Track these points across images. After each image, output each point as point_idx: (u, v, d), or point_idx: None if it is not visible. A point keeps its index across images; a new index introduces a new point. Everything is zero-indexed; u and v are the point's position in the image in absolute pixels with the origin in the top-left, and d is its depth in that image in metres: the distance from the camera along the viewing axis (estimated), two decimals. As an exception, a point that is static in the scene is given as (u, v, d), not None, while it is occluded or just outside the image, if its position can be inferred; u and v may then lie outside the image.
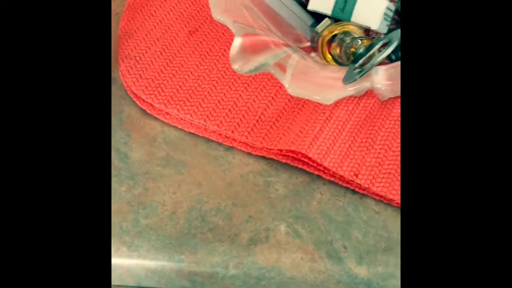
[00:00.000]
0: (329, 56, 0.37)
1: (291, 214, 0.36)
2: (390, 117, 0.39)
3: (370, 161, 0.37)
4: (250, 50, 0.30)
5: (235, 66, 0.29)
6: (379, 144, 0.38)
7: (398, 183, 0.36)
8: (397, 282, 0.33)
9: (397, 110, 0.40)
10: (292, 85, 0.28)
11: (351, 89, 0.28)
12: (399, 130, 0.39)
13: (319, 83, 0.29)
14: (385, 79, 0.27)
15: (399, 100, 0.41)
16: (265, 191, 0.37)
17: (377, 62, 0.29)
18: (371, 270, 0.33)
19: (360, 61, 0.31)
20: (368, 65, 0.29)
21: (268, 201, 0.36)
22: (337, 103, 0.40)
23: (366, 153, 0.37)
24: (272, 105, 0.41)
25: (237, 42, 0.30)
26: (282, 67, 0.29)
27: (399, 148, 0.38)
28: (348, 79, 0.29)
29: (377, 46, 0.31)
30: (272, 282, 0.34)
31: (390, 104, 0.40)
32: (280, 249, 0.34)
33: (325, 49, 0.37)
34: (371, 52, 0.32)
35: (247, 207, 0.36)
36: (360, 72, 0.29)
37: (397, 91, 0.27)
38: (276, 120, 0.40)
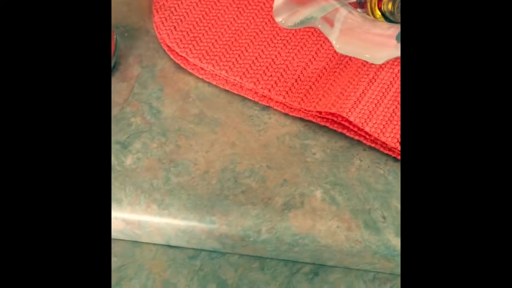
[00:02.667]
0: (379, 12, 0.34)
1: (328, 180, 0.34)
2: (439, 82, 0.37)
3: (415, 128, 0.35)
4: (296, 1, 0.27)
5: (279, 19, 0.27)
6: (426, 110, 0.35)
7: (445, 152, 0.34)
8: (437, 256, 0.31)
9: (447, 74, 0.37)
10: (340, 42, 0.26)
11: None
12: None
13: (369, 40, 0.27)
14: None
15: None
16: (301, 154, 0.35)
17: None
18: (411, 243, 0.32)
19: None
20: None
21: (304, 165, 0.35)
22: (381, 65, 0.37)
23: (411, 119, 0.35)
24: (312, 64, 0.38)
25: (282, -8, 0.27)
26: (329, 21, 0.27)
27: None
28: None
29: None
30: (306, 249, 0.33)
31: (439, 67, 0.38)
32: (315, 215, 0.33)
33: (375, 4, 0.34)
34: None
35: (282, 170, 0.34)
36: None
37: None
38: (316, 80, 0.37)
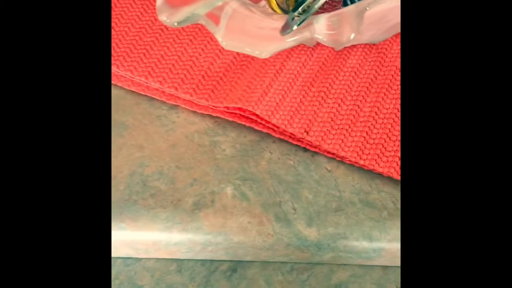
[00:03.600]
0: (274, 2, 0.33)
1: (238, 175, 0.34)
2: (345, 68, 0.37)
3: (322, 116, 0.35)
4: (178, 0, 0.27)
5: (162, 17, 0.26)
6: (333, 98, 0.36)
7: (351, 139, 0.34)
8: (348, 242, 0.32)
9: (352, 60, 0.37)
10: (226, 39, 0.26)
11: (290, 41, 0.25)
12: (354, 82, 0.36)
13: (256, 35, 0.26)
14: (326, 28, 0.24)
15: (355, 49, 0.38)
16: (211, 151, 0.35)
17: (315, 9, 0.26)
18: (321, 232, 0.32)
19: (299, 9, 0.28)
20: (305, 13, 0.26)
21: (214, 162, 0.34)
22: (288, 54, 0.37)
23: (318, 108, 0.35)
24: (219, 58, 0.38)
25: (161, -10, 0.27)
26: (215, 18, 0.26)
27: (353, 102, 0.35)
28: (285, 30, 0.26)
29: None
30: (220, 247, 0.32)
31: (345, 54, 0.38)
32: (226, 213, 0.32)
33: (270, -6, 0.33)
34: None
35: (192, 170, 0.34)
36: (298, 21, 0.26)
37: (340, 42, 0.24)
38: (224, 74, 0.37)
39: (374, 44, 0.38)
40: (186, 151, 0.35)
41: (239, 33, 0.26)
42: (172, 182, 0.33)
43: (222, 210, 0.32)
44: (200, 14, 0.26)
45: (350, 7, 0.25)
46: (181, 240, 0.32)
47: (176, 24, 0.26)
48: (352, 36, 0.24)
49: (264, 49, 0.25)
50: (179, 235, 0.32)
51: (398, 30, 0.37)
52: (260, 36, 0.26)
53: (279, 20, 0.28)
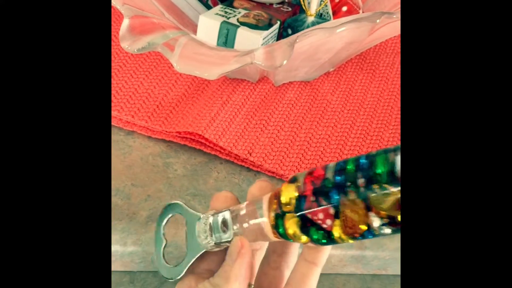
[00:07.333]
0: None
1: (189, 192, 0.37)
2: (283, 101, 0.42)
3: (264, 140, 0.39)
4: (139, 30, 0.31)
5: (124, 45, 0.30)
6: (272, 125, 0.41)
7: (289, 159, 0.39)
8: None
9: (290, 94, 0.43)
10: (179, 63, 0.30)
11: (233, 61, 0.30)
12: (291, 112, 0.42)
13: (205, 61, 0.31)
14: (263, 56, 0.30)
15: (292, 86, 0.43)
16: (164, 171, 0.38)
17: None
18: (263, 240, 0.35)
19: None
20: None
21: (166, 181, 0.38)
22: (234, 89, 0.42)
23: (260, 134, 0.40)
24: (172, 91, 0.42)
25: (125, 22, 0.31)
26: (170, 47, 0.31)
27: (290, 129, 0.40)
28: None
29: None
30: (171, 256, 0.35)
31: (283, 89, 0.43)
32: (177, 224, 0.35)
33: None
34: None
35: (146, 187, 0.37)
36: None
37: (274, 66, 0.29)
38: (176, 105, 0.41)
39: (308, 82, 0.44)
40: (141, 171, 0.38)
41: (191, 59, 0.31)
42: (127, 198, 0.36)
43: (174, 221, 0.36)
44: (158, 43, 0.31)
45: (283, 40, 0.31)
46: (135, 251, 0.35)
47: (136, 51, 0.30)
48: (284, 62, 0.30)
49: (211, 72, 0.30)
50: (133, 246, 0.35)
51: (328, 68, 0.43)
52: (208, 62, 0.31)
53: (224, 51, 0.33)
